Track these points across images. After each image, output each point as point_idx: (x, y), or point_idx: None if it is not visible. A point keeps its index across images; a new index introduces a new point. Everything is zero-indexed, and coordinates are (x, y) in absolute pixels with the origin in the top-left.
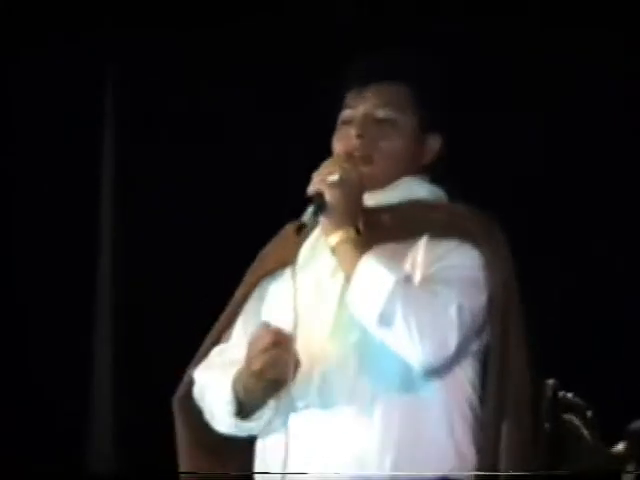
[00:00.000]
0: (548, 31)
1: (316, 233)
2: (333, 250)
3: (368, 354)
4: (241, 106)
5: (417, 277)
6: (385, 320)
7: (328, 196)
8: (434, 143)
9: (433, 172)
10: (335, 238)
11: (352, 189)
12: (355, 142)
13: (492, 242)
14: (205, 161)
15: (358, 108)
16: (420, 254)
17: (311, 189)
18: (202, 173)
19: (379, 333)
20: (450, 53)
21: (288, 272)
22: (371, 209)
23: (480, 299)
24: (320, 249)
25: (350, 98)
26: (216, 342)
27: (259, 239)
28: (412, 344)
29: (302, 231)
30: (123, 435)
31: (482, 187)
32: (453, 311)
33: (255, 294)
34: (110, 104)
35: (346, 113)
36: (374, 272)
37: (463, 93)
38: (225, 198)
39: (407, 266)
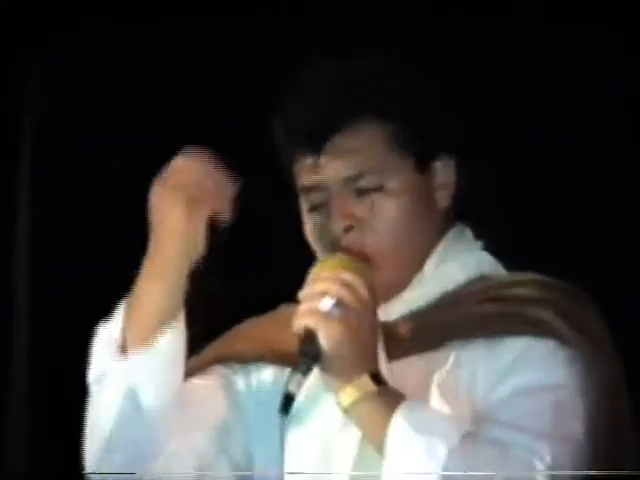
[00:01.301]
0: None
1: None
2: (346, 412)
3: None
4: None
5: (464, 409)
6: None
7: (323, 339)
8: (443, 171)
9: (457, 212)
10: (346, 397)
11: (360, 314)
12: (346, 241)
13: (582, 327)
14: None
15: (325, 186)
16: (464, 369)
17: (297, 324)
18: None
19: None
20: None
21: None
22: (394, 324)
23: (580, 431)
24: (320, 392)
25: (305, 173)
26: None
27: None
28: None
29: (290, 406)
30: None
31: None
32: (538, 467)
33: (223, 379)
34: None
35: (311, 198)
36: (413, 440)
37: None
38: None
39: (445, 394)
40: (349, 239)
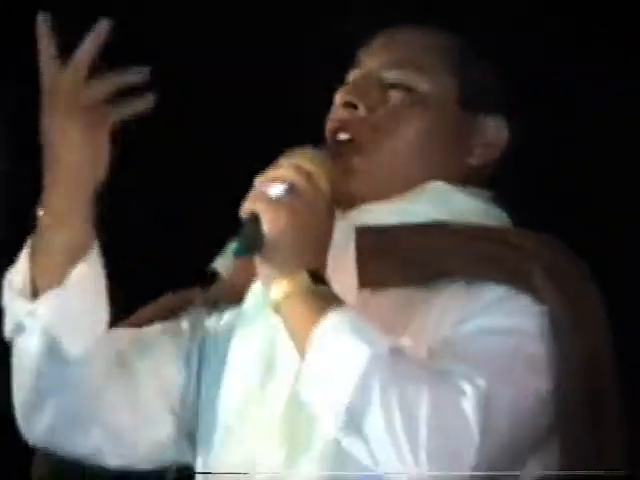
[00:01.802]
0: None
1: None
2: (276, 308)
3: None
4: None
5: (427, 344)
6: (353, 421)
7: (266, 223)
8: (493, 132)
9: (488, 182)
10: (279, 289)
11: (312, 206)
12: (340, 115)
13: (572, 295)
14: None
15: (363, 66)
16: (437, 307)
17: (243, 209)
18: None
19: (346, 441)
20: None
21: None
22: (365, 228)
23: (538, 388)
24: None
25: (361, 51)
26: None
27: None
28: (398, 458)
29: (211, 283)
30: None
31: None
32: (473, 405)
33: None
34: None
35: (350, 75)
36: (337, 342)
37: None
38: None
39: (412, 329)
40: (346, 117)
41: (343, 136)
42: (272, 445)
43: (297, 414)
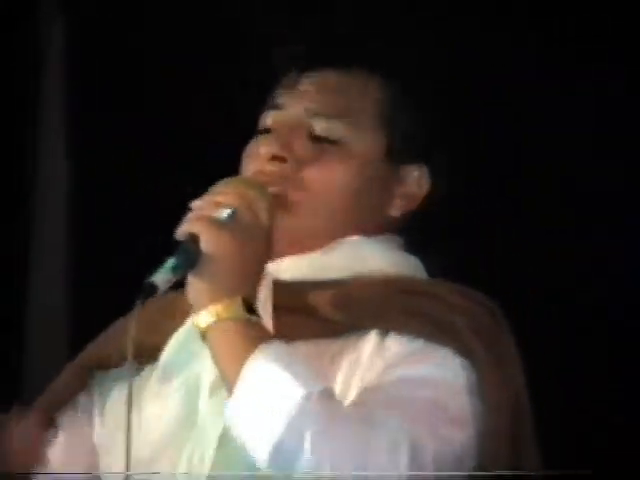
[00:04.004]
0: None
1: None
2: (203, 335)
3: None
4: None
5: (350, 394)
6: (283, 458)
7: (205, 242)
8: (416, 182)
9: (408, 232)
10: (208, 315)
11: (252, 234)
12: (268, 168)
13: (491, 343)
14: None
15: (287, 110)
16: (358, 356)
17: (182, 229)
18: None
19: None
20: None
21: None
22: (287, 284)
23: (460, 439)
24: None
25: (280, 93)
26: None
27: None
28: None
29: (149, 297)
30: None
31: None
32: (401, 457)
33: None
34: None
35: (267, 118)
36: (269, 379)
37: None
38: None
39: (336, 377)
40: (274, 171)
41: (271, 189)
42: None
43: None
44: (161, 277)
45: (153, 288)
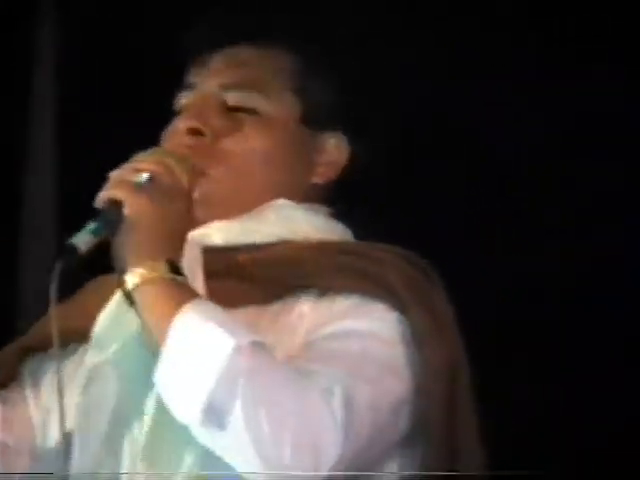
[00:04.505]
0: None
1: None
2: (129, 297)
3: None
4: None
5: (284, 351)
6: (215, 414)
7: (127, 207)
8: (335, 149)
9: (331, 201)
10: (133, 277)
11: (172, 197)
12: (186, 142)
13: (425, 299)
14: None
15: (200, 88)
16: (293, 317)
17: (102, 195)
18: None
19: (206, 437)
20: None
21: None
22: (212, 249)
23: (395, 389)
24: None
25: (192, 73)
26: None
27: None
28: (258, 454)
29: (70, 259)
30: None
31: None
32: (335, 403)
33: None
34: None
35: (182, 98)
36: (199, 331)
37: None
38: None
39: (273, 342)
40: (193, 144)
41: (191, 162)
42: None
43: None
44: (81, 239)
45: (73, 249)
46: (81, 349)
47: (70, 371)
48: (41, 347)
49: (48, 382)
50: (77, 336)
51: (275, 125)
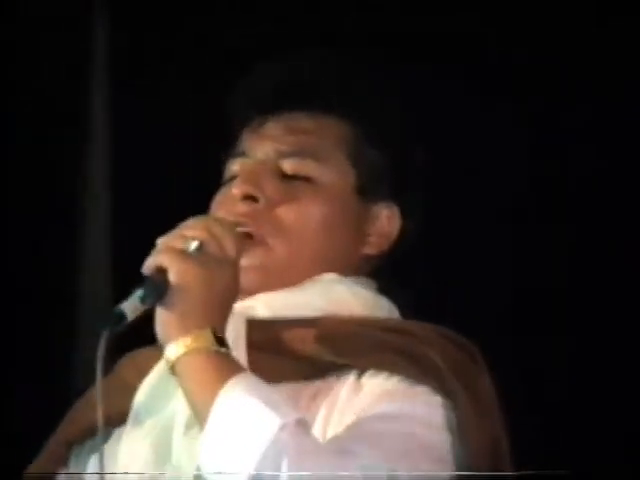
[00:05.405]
0: None
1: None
2: (172, 368)
3: None
4: None
5: (327, 432)
6: None
7: (173, 274)
8: (387, 220)
9: (380, 272)
10: (177, 347)
11: (219, 266)
12: (240, 209)
13: (470, 384)
14: None
15: (254, 154)
16: (333, 396)
17: (149, 262)
18: None
19: None
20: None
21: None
22: (255, 322)
23: (437, 475)
24: (171, 387)
25: (244, 139)
26: None
27: None
28: None
29: (117, 326)
30: None
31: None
32: None
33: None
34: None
35: (234, 165)
36: (243, 410)
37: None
38: None
39: (314, 420)
40: (247, 210)
41: (242, 228)
42: None
43: None
44: (129, 306)
45: (121, 317)
46: (119, 430)
47: (109, 454)
48: (87, 435)
49: (92, 469)
50: (119, 417)
51: (330, 194)
